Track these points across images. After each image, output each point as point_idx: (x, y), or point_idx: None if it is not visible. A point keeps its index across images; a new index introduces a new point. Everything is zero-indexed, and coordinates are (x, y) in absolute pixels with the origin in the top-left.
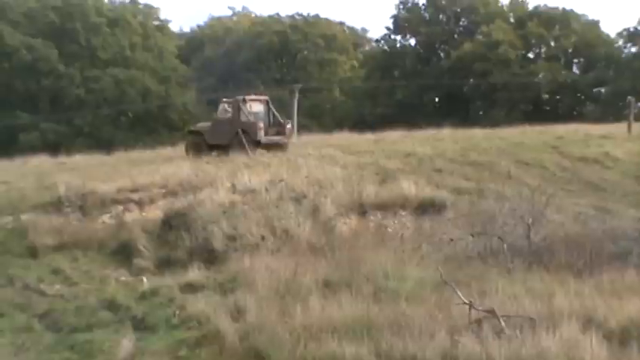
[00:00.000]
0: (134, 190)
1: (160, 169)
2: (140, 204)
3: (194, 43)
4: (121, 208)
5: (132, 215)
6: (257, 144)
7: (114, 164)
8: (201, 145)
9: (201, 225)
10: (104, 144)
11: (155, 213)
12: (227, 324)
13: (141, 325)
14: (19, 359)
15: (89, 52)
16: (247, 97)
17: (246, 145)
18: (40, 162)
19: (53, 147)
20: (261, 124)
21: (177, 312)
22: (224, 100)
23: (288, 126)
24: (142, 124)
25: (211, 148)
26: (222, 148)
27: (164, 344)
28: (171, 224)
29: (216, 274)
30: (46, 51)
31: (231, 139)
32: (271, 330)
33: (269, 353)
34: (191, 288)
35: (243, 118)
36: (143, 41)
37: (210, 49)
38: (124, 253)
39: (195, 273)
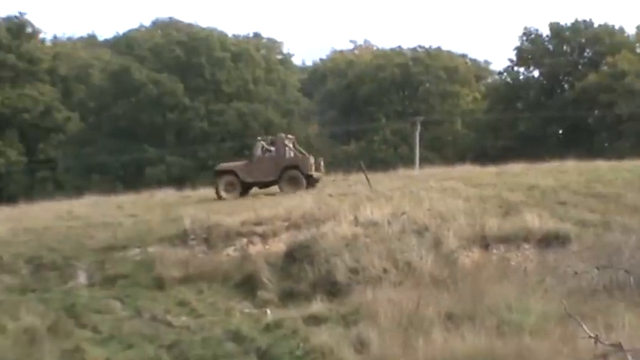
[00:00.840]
0: (258, 223)
1: (283, 202)
2: (264, 237)
3: (316, 77)
4: (245, 240)
5: (256, 248)
6: (308, 178)
7: (237, 197)
8: (235, 185)
9: (324, 258)
10: None
11: (278, 246)
12: (350, 356)
13: (265, 357)
14: None
15: (214, 85)
16: (287, 136)
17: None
18: (166, 195)
19: (178, 180)
20: (312, 160)
21: (301, 344)
22: (260, 138)
23: (322, 163)
24: None
25: (246, 186)
26: (260, 186)
27: None
28: (295, 257)
29: (339, 307)
30: (171, 85)
31: (279, 175)
32: None
33: None
34: (314, 320)
35: (289, 155)
36: (266, 75)
37: (333, 82)
38: (248, 286)
39: (318, 305)
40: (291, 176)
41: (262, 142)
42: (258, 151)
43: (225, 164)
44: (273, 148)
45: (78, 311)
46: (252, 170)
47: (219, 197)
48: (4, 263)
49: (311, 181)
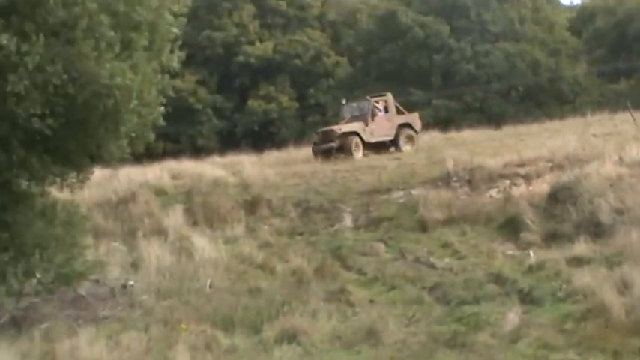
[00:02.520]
0: (521, 165)
1: (547, 142)
2: (527, 178)
3: (584, 15)
4: (507, 182)
5: (518, 189)
6: (416, 134)
7: (501, 139)
8: (359, 145)
9: (587, 199)
10: (494, 118)
11: (541, 187)
12: (613, 298)
13: (527, 298)
14: (409, 330)
15: (480, 26)
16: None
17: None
18: (430, 138)
19: (444, 123)
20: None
21: (564, 285)
22: (370, 98)
23: None
24: (531, 97)
25: (368, 147)
26: (379, 146)
27: (549, 317)
28: (558, 198)
29: (603, 248)
30: (437, 27)
31: (396, 134)
32: None
33: None
34: (577, 261)
35: (401, 114)
36: (533, 14)
37: (601, 20)
38: (510, 227)
39: (581, 246)
40: (408, 135)
41: (371, 102)
42: (367, 112)
43: (344, 126)
44: (381, 108)
45: (343, 253)
46: (373, 130)
47: (352, 156)
48: (274, 207)
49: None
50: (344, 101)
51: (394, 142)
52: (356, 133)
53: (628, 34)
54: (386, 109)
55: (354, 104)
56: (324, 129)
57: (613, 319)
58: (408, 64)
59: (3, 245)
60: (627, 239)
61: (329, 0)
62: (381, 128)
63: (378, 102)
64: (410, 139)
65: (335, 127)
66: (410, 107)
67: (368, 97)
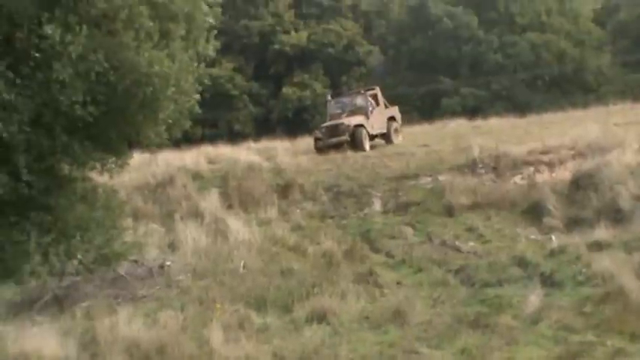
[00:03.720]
0: (544, 152)
1: (570, 131)
2: (550, 165)
3: (609, 7)
4: (531, 169)
5: (542, 176)
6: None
7: (526, 127)
8: (366, 138)
9: (608, 185)
10: (520, 107)
11: (564, 174)
12: (631, 282)
13: (548, 282)
14: (435, 311)
15: (507, 18)
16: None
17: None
18: (457, 125)
19: (472, 111)
20: None
21: (584, 269)
22: (364, 91)
23: None
24: (556, 86)
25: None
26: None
27: (570, 300)
28: (579, 184)
29: (622, 233)
30: (466, 18)
31: (387, 127)
32: None
33: None
34: (597, 246)
35: (388, 107)
36: (558, 6)
37: (626, 11)
38: (533, 213)
39: (601, 232)
40: (395, 127)
41: (366, 97)
42: (366, 105)
43: (352, 119)
44: (372, 101)
45: (372, 236)
46: (372, 123)
47: (364, 149)
48: (306, 191)
49: None
50: (329, 97)
51: (386, 135)
52: (362, 126)
53: None
54: (376, 103)
55: (344, 99)
56: (330, 123)
57: (631, 303)
58: (437, 54)
59: (46, 227)
60: None
61: None
62: (377, 121)
63: (373, 96)
64: (397, 132)
65: (344, 121)
66: (440, 95)
67: (362, 91)
